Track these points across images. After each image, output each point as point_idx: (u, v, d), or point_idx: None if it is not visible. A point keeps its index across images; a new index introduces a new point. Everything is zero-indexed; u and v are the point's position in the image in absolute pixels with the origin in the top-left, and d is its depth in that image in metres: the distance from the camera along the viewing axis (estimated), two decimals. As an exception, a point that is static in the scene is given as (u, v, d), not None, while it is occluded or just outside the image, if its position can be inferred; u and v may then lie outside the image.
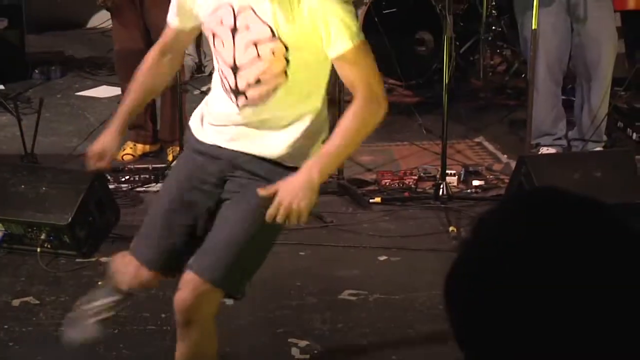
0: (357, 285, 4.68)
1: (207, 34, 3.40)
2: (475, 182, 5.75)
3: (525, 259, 1.24)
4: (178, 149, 5.84)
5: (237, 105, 3.34)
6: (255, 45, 3.26)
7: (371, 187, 5.79)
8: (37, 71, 8.38)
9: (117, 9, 6.26)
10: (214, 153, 3.42)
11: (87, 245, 5.02)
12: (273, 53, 3.25)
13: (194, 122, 3.52)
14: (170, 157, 6.19)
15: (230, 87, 3.33)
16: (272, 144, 3.42)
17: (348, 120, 3.31)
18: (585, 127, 5.92)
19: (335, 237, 5.21)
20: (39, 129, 6.06)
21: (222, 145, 3.43)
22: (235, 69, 3.30)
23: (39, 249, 4.91)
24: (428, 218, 5.40)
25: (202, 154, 3.46)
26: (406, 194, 5.71)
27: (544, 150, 5.85)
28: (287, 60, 3.27)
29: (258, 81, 3.28)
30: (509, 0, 6.73)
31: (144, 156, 6.45)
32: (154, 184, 5.92)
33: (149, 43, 6.14)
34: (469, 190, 5.73)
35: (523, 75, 6.99)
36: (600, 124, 5.90)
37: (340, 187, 5.71)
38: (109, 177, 5.57)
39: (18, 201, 5.06)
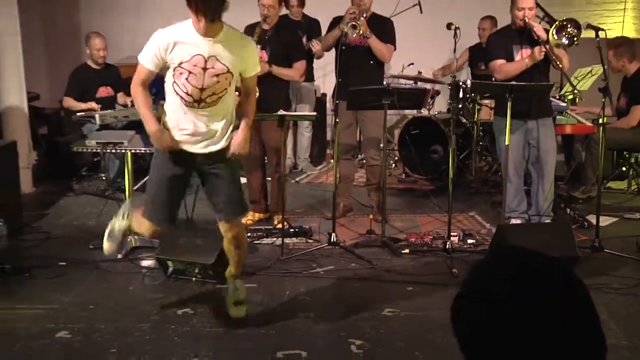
0: (393, 306, 4.75)
1: (180, 71, 4.03)
2: (470, 241, 5.97)
3: (503, 292, 1.29)
4: (281, 217, 5.84)
5: (199, 107, 4.10)
6: (217, 76, 4.06)
7: (402, 243, 5.95)
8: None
9: None
10: (186, 156, 4.20)
11: (224, 277, 4.86)
12: (225, 78, 4.10)
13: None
14: (276, 222, 6.26)
15: (194, 100, 4.08)
16: (216, 141, 4.20)
17: (251, 106, 4.40)
18: (539, 207, 6.16)
19: (378, 274, 5.34)
20: (196, 203, 6.21)
21: (192, 151, 4.19)
22: (202, 89, 4.06)
23: (194, 279, 5.08)
24: (439, 263, 5.53)
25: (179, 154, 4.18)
26: (425, 247, 5.86)
27: (513, 221, 6.05)
28: (230, 82, 4.13)
29: (213, 94, 4.10)
30: (490, 126, 6.91)
31: (258, 221, 6.53)
32: (265, 238, 6.05)
33: (264, 151, 6.41)
34: (465, 246, 5.90)
35: (499, 173, 7.28)
36: (549, 205, 6.10)
37: (383, 242, 5.88)
38: None
39: (183, 248, 5.16)
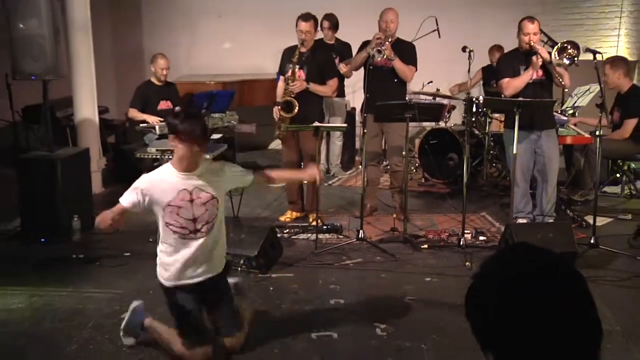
0: (413, 294, 4.79)
1: (169, 209, 3.67)
2: (481, 238, 5.96)
3: (511, 282, 1.29)
4: (315, 215, 5.96)
5: (197, 238, 3.74)
6: (205, 204, 3.73)
7: (422, 239, 5.98)
8: None
9: (285, 139, 6.47)
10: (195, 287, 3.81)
11: (265, 267, 5.17)
12: (213, 205, 3.77)
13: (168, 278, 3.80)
14: (310, 220, 6.31)
15: (190, 231, 3.72)
16: (216, 264, 3.89)
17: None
18: (543, 208, 6.11)
19: (401, 267, 5.37)
20: (241, 203, 6.37)
21: (194, 281, 3.80)
22: (194, 220, 3.72)
23: (239, 268, 5.13)
24: (454, 257, 5.53)
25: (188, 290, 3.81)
26: (442, 243, 5.88)
27: (520, 220, 6.03)
28: (217, 207, 3.81)
29: (207, 222, 3.76)
30: (500, 137, 6.87)
31: (296, 219, 6.57)
32: (301, 234, 6.08)
33: (301, 158, 6.45)
34: (477, 242, 5.88)
35: (508, 178, 7.26)
36: (552, 207, 6.08)
37: (404, 238, 5.90)
38: (277, 230, 5.67)
39: (230, 241, 4.64)
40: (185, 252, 3.73)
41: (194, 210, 3.69)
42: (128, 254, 5.53)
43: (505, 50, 7.73)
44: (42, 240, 5.87)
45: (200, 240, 3.74)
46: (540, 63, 5.82)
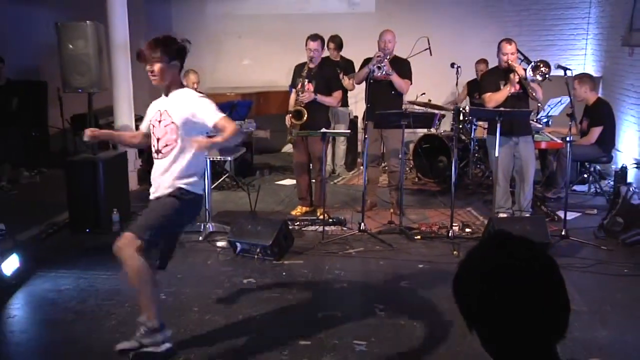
0: (407, 278, 4.79)
1: (151, 126, 3.60)
2: (467, 230, 5.93)
3: (492, 267, 1.29)
4: (322, 210, 5.91)
5: (158, 158, 3.57)
6: (165, 127, 3.51)
7: (416, 231, 5.94)
8: (258, 172, 8.40)
9: (295, 143, 6.45)
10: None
11: (278, 255, 5.16)
12: (172, 130, 3.49)
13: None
14: (318, 214, 6.24)
15: (154, 150, 3.58)
16: (162, 188, 3.57)
17: (225, 133, 3.40)
18: (521, 204, 6.07)
19: (396, 254, 5.35)
20: (258, 199, 6.44)
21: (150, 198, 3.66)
22: (158, 139, 3.55)
23: (256, 256, 5.13)
24: (444, 247, 5.52)
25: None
26: (433, 234, 5.85)
27: (501, 215, 5.96)
28: (178, 134, 3.48)
29: (165, 145, 3.53)
30: (484, 142, 6.80)
31: (305, 213, 6.54)
32: (310, 226, 6.04)
33: (310, 159, 6.40)
34: (464, 234, 5.85)
35: (490, 178, 7.21)
36: (528, 202, 6.04)
37: (401, 230, 5.87)
38: (289, 222, 5.69)
39: (248, 232, 5.24)
40: (153, 169, 3.65)
41: (159, 131, 3.55)
42: (159, 242, 5.55)
43: (489, 63, 7.91)
44: (87, 230, 5.89)
45: (158, 162, 3.58)
46: (517, 80, 5.79)
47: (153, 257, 3.53)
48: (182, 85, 3.66)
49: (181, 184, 3.55)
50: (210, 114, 3.47)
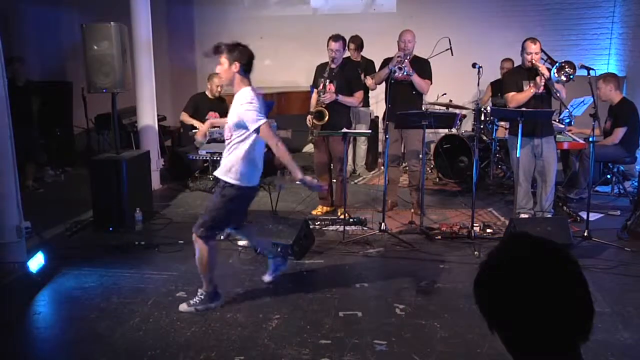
0: (428, 278, 4.78)
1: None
2: (488, 230, 5.88)
3: (514, 267, 1.28)
4: (343, 209, 5.92)
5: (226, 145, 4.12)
6: (230, 128, 4.08)
7: (436, 231, 5.91)
8: (279, 172, 8.15)
9: (316, 143, 6.46)
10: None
11: (300, 254, 5.17)
12: (229, 129, 4.08)
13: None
14: (339, 213, 6.25)
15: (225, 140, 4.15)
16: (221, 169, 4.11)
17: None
18: (542, 205, 6.01)
19: (418, 254, 5.33)
20: (279, 198, 6.39)
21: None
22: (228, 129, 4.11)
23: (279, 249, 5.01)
24: (464, 247, 5.50)
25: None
26: (453, 235, 5.81)
27: (522, 215, 5.92)
28: (231, 133, 4.06)
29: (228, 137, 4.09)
30: (505, 142, 6.77)
31: (326, 213, 6.55)
32: (331, 225, 6.05)
33: (331, 159, 6.42)
34: (485, 234, 5.80)
35: (511, 179, 6.98)
36: (550, 203, 5.98)
37: (421, 231, 5.88)
38: (310, 222, 5.61)
39: (269, 232, 5.20)
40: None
41: (225, 129, 4.16)
42: (182, 241, 5.53)
43: (514, 62, 7.81)
44: (110, 229, 5.94)
45: (227, 147, 4.12)
46: (542, 83, 5.73)
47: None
48: None
49: None
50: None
